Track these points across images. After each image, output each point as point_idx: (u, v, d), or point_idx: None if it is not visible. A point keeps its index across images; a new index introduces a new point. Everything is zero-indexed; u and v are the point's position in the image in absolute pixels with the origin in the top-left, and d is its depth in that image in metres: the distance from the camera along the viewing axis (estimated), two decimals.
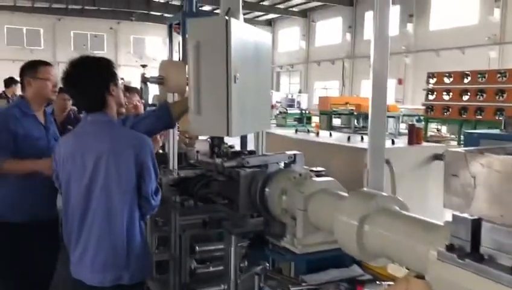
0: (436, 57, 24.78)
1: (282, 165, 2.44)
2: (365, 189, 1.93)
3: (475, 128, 13.86)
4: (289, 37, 36.17)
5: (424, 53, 25.85)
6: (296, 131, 5.59)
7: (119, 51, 37.77)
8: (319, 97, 24.07)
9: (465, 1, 23.73)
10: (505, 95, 12.78)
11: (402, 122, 18.58)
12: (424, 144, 4.45)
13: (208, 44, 2.12)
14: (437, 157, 4.26)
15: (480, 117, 13.19)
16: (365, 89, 30.07)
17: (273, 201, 2.22)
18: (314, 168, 2.67)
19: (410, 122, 4.52)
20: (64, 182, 2.35)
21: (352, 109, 18.82)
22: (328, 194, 1.98)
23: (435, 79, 14.88)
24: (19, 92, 9.21)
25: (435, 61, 24.39)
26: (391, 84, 28.30)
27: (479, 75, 13.50)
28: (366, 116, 19.32)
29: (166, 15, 33.81)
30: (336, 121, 22.15)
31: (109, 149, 2.21)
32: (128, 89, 4.70)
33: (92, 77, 2.28)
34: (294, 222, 2.16)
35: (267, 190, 2.28)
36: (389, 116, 19.09)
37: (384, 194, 1.78)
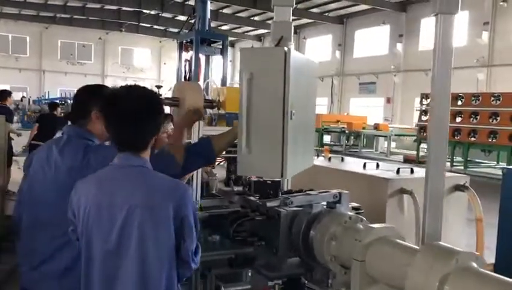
0: (424, 77, 25.00)
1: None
2: (440, 243, 1.74)
3: (468, 150, 13.90)
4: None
5: (413, 73, 26.07)
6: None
7: (106, 61, 37.46)
8: None
9: (455, 23, 24.02)
10: (498, 118, 12.84)
11: (393, 141, 18.65)
12: (446, 173, 4.28)
13: (263, 76, 1.93)
14: (458, 188, 4.10)
15: (474, 139, 13.26)
16: (353, 107, 30.23)
17: (320, 246, 2.03)
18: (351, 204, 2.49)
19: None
20: (84, 241, 1.89)
21: (343, 127, 18.84)
22: (391, 245, 1.79)
23: (428, 100, 14.90)
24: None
25: (423, 80, 24.62)
26: (380, 102, 28.48)
27: (472, 98, 13.59)
28: (357, 135, 19.42)
29: (155, 27, 33.73)
30: (325, 138, 22.13)
31: (143, 202, 1.81)
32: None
33: (151, 114, 1.89)
34: (344, 270, 1.97)
35: (312, 233, 2.09)
36: (379, 136, 19.23)
37: (463, 250, 1.60)
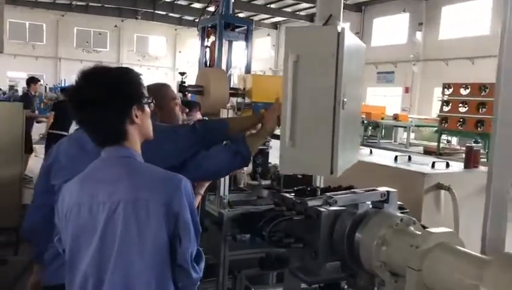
0: (444, 66, 24.47)
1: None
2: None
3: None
4: None
5: (433, 62, 25.53)
6: None
7: (122, 49, 37.39)
8: None
9: (477, 11, 23.42)
10: None
11: (412, 132, 18.27)
12: (482, 168, 4.04)
13: (311, 59, 1.70)
14: None
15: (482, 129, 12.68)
16: (370, 96, 29.73)
17: (368, 251, 1.82)
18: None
19: (467, 144, 4.10)
20: (68, 245, 1.63)
21: (362, 117, 18.45)
22: (455, 253, 1.58)
23: (450, 90, 14.51)
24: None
25: (443, 70, 24.10)
26: (398, 92, 27.98)
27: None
28: (375, 125, 19.06)
29: (171, 14, 33.48)
30: None
31: (127, 196, 1.54)
32: (188, 104, 4.05)
33: (108, 97, 1.60)
34: (394, 279, 1.77)
35: (358, 235, 1.88)
36: (398, 126, 18.85)
37: None
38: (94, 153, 1.71)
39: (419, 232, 1.72)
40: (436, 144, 15.02)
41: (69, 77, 32.87)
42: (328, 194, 1.95)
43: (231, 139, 2.19)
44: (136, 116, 1.64)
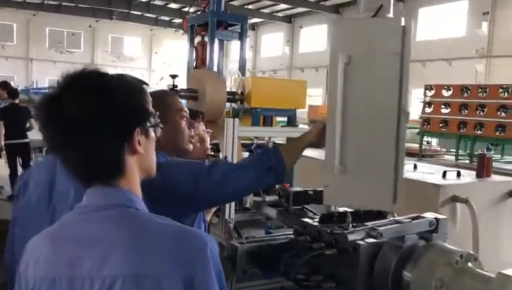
0: (421, 67, 24.60)
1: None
2: None
3: (474, 144, 13.54)
4: (273, 43, 35.58)
5: (410, 63, 25.64)
6: None
7: (96, 50, 36.53)
8: (309, 105, 23.67)
9: (453, 13, 23.66)
10: (507, 111, 12.41)
11: None
12: (495, 177, 3.81)
13: (368, 61, 1.38)
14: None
15: (480, 132, 12.78)
16: None
17: None
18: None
19: (481, 151, 3.86)
20: None
21: None
22: None
23: (432, 91, 14.45)
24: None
25: (420, 71, 24.23)
26: None
27: (480, 89, 13.13)
28: None
29: (147, 15, 32.84)
30: None
31: (127, 270, 1.03)
32: (192, 115, 3.53)
33: (102, 114, 1.11)
34: None
35: (407, 275, 1.58)
36: None
37: None
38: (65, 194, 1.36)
39: (490, 274, 1.42)
40: (417, 145, 14.92)
41: (42, 78, 31.91)
42: (368, 224, 1.64)
43: (262, 149, 1.83)
44: (139, 144, 1.15)
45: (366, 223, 1.68)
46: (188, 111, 2.02)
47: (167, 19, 34.34)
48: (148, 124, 1.19)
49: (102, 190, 1.13)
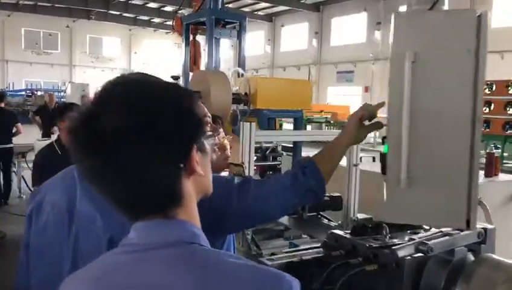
0: None
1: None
2: None
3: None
4: (254, 41, 35.45)
5: None
6: None
7: (74, 50, 35.87)
8: None
9: None
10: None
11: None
12: (503, 176, 3.73)
13: (438, 58, 1.24)
14: None
15: (488, 130, 12.44)
16: (331, 96, 29.71)
17: None
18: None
19: (489, 150, 3.76)
20: None
21: (327, 117, 18.30)
22: None
23: None
24: None
25: None
26: (358, 91, 28.09)
27: (485, 86, 12.97)
28: (341, 125, 18.92)
29: (125, 15, 32.37)
30: (307, 128, 21.54)
31: None
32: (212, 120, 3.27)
33: (157, 130, 0.87)
34: None
35: None
36: None
37: None
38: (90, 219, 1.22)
39: None
40: None
41: (18, 80, 31.18)
42: (415, 237, 1.51)
43: (298, 165, 1.54)
44: (197, 163, 0.92)
45: (414, 237, 1.54)
46: (211, 116, 1.82)
47: (146, 18, 33.92)
48: (204, 139, 0.96)
49: (157, 223, 0.89)
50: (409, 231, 1.65)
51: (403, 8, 17.61)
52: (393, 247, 1.49)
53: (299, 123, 3.19)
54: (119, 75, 0.92)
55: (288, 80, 3.99)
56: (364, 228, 1.72)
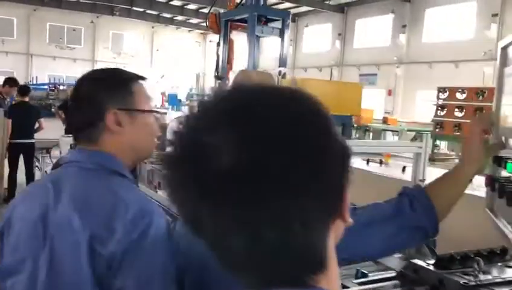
0: (427, 69, 24.32)
1: None
2: None
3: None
4: (276, 42, 35.26)
5: (416, 65, 25.38)
6: (368, 162, 4.53)
7: (96, 46, 36.11)
8: None
9: (461, 15, 23.30)
10: None
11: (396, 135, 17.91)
12: None
13: None
14: None
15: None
16: None
17: None
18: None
19: None
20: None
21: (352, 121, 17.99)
22: None
23: (446, 94, 14.15)
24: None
25: (426, 73, 23.96)
26: (380, 94, 27.68)
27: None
28: (365, 129, 18.58)
29: (149, 11, 32.43)
30: None
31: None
32: None
33: (288, 172, 0.57)
34: None
35: None
36: (389, 130, 18.44)
37: None
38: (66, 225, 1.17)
39: None
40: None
41: (42, 74, 31.51)
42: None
43: (405, 194, 1.27)
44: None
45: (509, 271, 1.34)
46: None
47: (169, 16, 33.98)
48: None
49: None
50: (499, 264, 1.44)
51: (429, 11, 17.44)
52: (492, 286, 1.28)
53: (348, 129, 2.93)
54: (221, 83, 0.71)
55: (339, 83, 3.81)
56: (452, 260, 1.51)
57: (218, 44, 4.62)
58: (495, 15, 21.77)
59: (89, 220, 1.15)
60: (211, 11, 4.91)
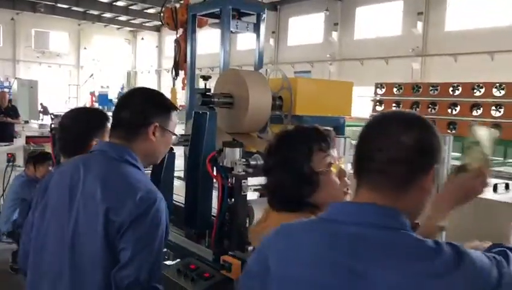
0: (360, 66, 25.06)
1: None
2: None
3: None
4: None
5: (348, 62, 26.07)
6: None
7: (18, 44, 33.84)
8: None
9: (389, 13, 24.23)
10: (457, 109, 12.77)
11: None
12: None
13: None
14: None
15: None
16: None
17: None
18: None
19: None
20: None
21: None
22: None
23: (383, 89, 14.62)
24: None
25: (359, 70, 24.66)
26: None
27: (431, 88, 13.41)
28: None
29: (74, 8, 30.83)
30: None
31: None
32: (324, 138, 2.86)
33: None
34: None
35: None
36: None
37: None
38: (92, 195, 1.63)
39: None
40: None
41: None
42: None
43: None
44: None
45: None
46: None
47: (96, 13, 32.51)
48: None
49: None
50: None
51: (359, 9, 17.76)
52: None
53: (341, 132, 2.79)
54: None
55: (328, 82, 3.69)
56: None
57: (176, 41, 4.36)
58: (420, 13, 22.81)
59: (107, 195, 1.55)
60: (165, 5, 4.61)
